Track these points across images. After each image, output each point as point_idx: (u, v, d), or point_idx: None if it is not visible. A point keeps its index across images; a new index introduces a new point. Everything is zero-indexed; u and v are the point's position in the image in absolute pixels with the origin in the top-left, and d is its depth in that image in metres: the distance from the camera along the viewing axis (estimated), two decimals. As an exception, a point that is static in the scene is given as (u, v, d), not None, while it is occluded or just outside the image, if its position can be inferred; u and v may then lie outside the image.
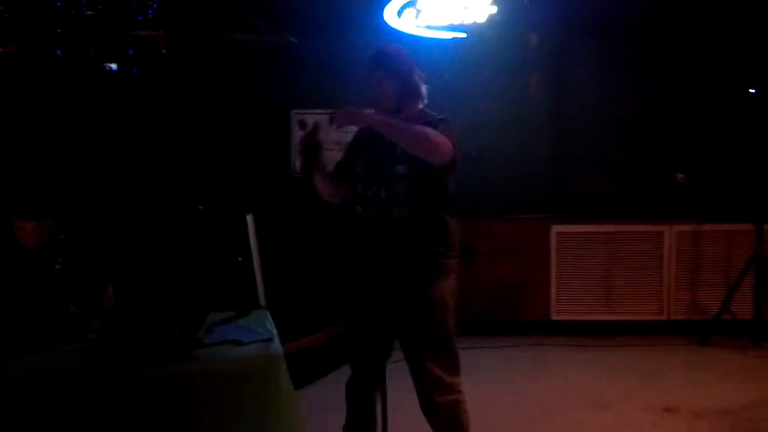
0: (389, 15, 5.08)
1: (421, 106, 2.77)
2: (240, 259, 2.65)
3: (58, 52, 4.66)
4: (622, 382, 4.35)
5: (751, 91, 5.28)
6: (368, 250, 2.73)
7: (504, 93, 5.44)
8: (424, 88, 2.76)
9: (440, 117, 2.74)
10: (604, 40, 5.47)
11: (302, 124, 5.32)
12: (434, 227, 2.71)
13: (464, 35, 5.13)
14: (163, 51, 4.73)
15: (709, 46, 5.37)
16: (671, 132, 5.46)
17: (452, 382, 2.73)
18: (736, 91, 5.36)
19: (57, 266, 2.81)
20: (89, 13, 4.35)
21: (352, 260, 2.80)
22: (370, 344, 2.81)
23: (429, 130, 2.58)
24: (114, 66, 4.93)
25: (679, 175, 5.16)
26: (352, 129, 2.93)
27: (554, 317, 5.37)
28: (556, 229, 5.35)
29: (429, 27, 5.08)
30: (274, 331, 2.60)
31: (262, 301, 2.60)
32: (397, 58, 2.74)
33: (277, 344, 2.51)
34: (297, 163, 2.47)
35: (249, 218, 2.56)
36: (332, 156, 3.01)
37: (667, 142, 5.46)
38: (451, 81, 5.32)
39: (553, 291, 5.35)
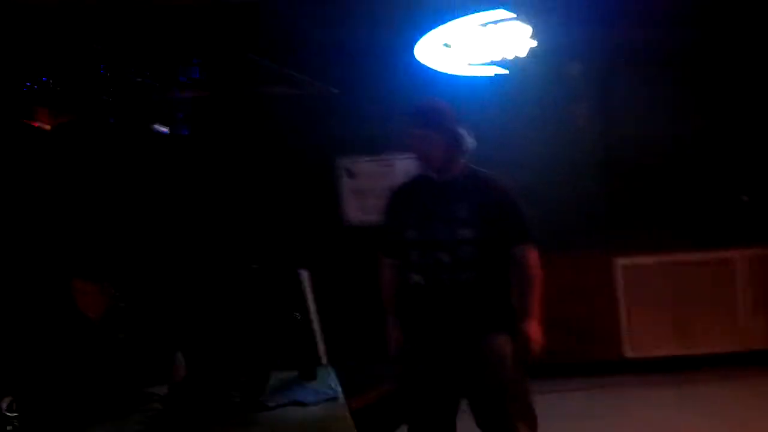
0: (425, 54, 5.04)
1: (464, 159, 2.73)
2: (298, 316, 2.59)
3: (111, 119, 4.78)
4: (705, 422, 4.08)
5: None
6: (433, 316, 2.65)
7: (550, 127, 5.34)
8: (469, 142, 2.71)
9: (501, 180, 2.74)
10: (651, 66, 5.33)
11: (349, 173, 5.33)
12: (500, 287, 2.68)
13: (506, 71, 5.06)
14: (211, 112, 4.81)
15: (762, 66, 5.18)
16: (730, 155, 5.24)
17: None
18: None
19: (121, 335, 2.80)
20: (138, 80, 4.47)
21: (412, 328, 2.72)
22: (439, 410, 2.70)
23: (537, 271, 2.67)
24: (165, 129, 5.02)
25: (745, 198, 4.92)
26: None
27: (627, 355, 5.13)
28: (620, 261, 5.15)
29: (469, 65, 5.03)
30: (339, 389, 2.52)
31: (324, 358, 2.53)
32: (444, 113, 2.71)
33: (342, 403, 2.42)
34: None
35: (304, 274, 2.51)
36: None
37: (727, 165, 5.24)
38: (495, 118, 5.26)
39: (623, 327, 5.12)
